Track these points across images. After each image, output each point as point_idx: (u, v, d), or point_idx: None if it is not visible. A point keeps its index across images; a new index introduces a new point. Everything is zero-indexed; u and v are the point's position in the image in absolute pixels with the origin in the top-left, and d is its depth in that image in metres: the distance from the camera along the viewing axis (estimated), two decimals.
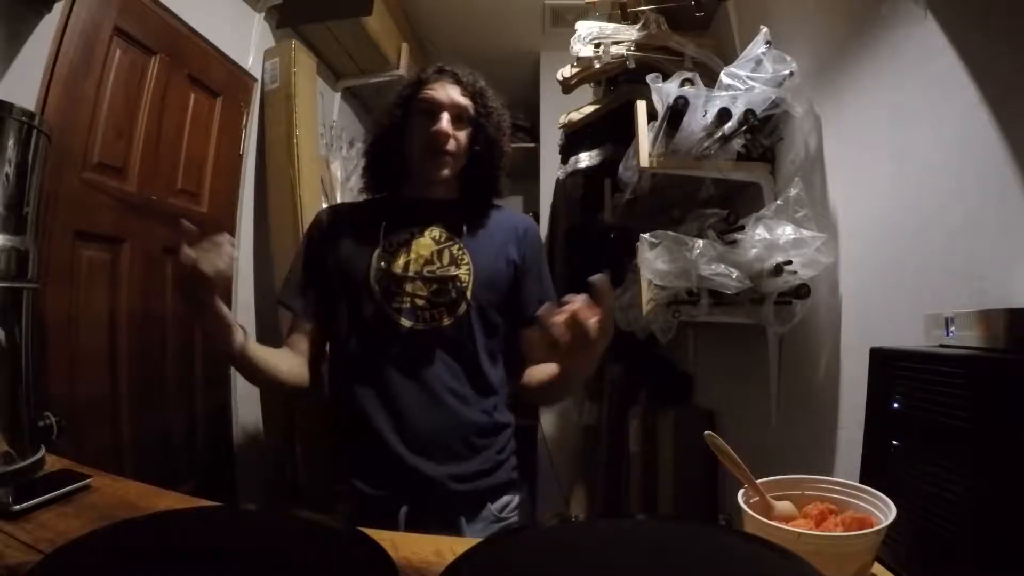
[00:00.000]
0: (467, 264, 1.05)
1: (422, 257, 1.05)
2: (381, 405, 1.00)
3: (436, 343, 1.02)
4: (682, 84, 1.36)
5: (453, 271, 1.04)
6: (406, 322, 1.02)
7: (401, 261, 1.05)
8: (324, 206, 1.30)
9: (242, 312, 1.99)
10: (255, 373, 0.98)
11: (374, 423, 1.00)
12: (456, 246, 1.07)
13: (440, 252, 1.06)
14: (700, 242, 1.32)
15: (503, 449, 1.07)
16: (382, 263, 1.04)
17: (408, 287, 1.03)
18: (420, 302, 1.03)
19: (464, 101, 1.07)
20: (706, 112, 1.35)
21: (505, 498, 1.06)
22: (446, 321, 1.03)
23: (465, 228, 1.08)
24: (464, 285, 1.04)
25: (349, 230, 1.10)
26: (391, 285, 1.03)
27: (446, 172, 1.07)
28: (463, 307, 1.03)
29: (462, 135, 1.07)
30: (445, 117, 1.04)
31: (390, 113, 1.10)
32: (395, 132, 1.09)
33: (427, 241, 1.07)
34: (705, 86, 1.36)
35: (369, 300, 1.03)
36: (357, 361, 1.04)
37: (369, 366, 1.02)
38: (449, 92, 1.06)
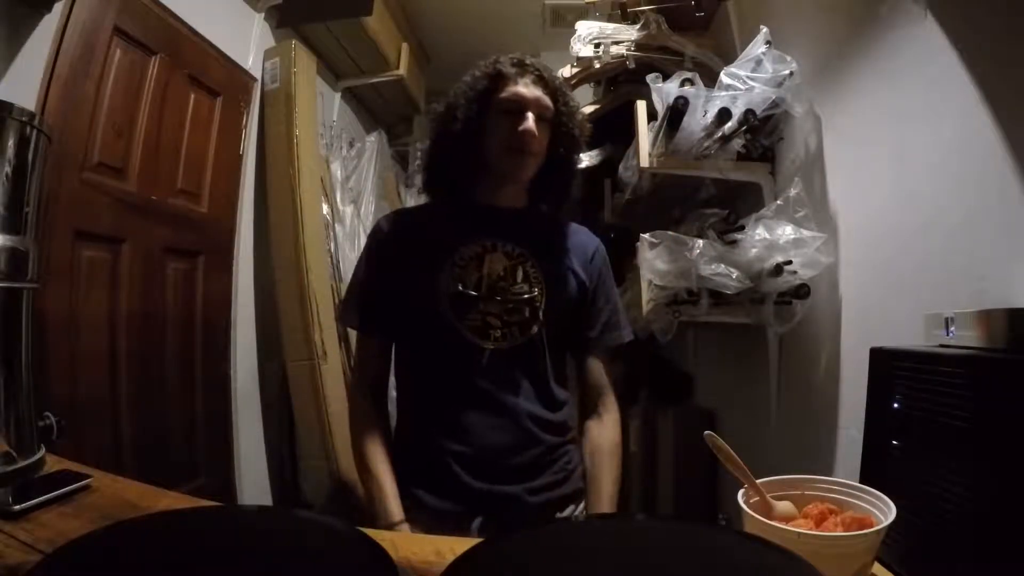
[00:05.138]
0: (540, 284, 1.02)
1: (495, 273, 1.01)
2: (451, 425, 0.98)
3: (507, 362, 0.99)
4: (682, 84, 1.37)
5: (527, 292, 1.01)
6: (478, 341, 0.99)
7: (473, 278, 1.00)
8: (388, 212, 1.17)
9: (242, 312, 1.99)
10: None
11: (444, 445, 0.97)
12: (529, 263, 1.03)
13: (513, 269, 1.02)
14: (700, 242, 1.32)
15: (571, 460, 1.06)
16: (453, 279, 1.00)
17: (481, 305, 0.99)
18: (492, 320, 0.99)
19: (548, 102, 1.00)
20: (706, 112, 1.35)
21: (571, 507, 1.05)
22: (518, 340, 1.00)
23: (537, 243, 1.05)
24: (538, 305, 1.01)
25: (414, 240, 1.06)
26: (463, 303, 0.99)
27: (527, 174, 1.02)
28: (535, 327, 1.00)
29: (544, 136, 1.01)
30: (531, 117, 0.98)
31: (464, 108, 1.01)
32: (470, 130, 1.01)
33: (500, 256, 1.02)
34: (705, 86, 1.36)
35: (439, 318, 0.99)
36: (425, 379, 1.02)
37: (438, 384, 1.00)
38: (534, 90, 0.99)
